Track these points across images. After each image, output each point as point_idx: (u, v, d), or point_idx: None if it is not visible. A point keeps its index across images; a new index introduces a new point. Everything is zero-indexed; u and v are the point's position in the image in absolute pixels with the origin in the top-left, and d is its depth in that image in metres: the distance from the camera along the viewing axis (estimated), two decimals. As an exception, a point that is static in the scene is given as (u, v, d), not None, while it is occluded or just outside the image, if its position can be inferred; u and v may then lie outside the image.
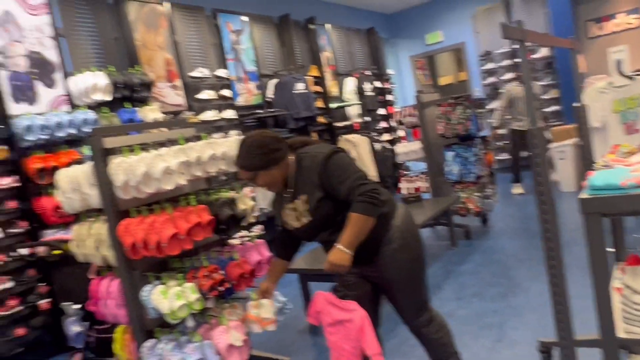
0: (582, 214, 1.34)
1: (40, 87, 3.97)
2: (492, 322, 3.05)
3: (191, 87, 5.30)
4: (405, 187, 5.60)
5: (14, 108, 3.75)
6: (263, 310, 2.28)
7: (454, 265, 4.29)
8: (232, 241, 2.91)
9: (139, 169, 2.17)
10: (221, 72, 5.61)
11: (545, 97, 8.17)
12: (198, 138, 2.60)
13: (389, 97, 8.59)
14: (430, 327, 2.08)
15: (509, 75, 8.46)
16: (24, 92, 3.87)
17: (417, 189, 5.43)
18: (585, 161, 2.98)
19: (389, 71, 8.93)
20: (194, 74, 5.33)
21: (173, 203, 2.38)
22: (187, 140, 2.49)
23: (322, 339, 3.29)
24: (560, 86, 8.03)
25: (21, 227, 3.71)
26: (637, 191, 1.28)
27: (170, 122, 3.44)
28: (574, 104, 2.92)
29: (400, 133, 8.13)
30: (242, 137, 2.08)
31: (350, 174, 1.87)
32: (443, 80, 11.09)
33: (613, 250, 2.11)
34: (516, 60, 8.37)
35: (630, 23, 7.42)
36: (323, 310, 1.98)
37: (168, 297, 2.23)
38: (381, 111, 8.26)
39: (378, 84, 8.25)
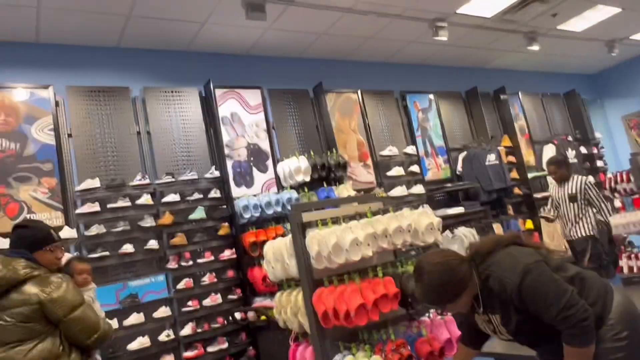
0: None
1: (255, 172, 4.67)
2: None
3: (381, 165, 5.58)
4: (627, 265, 4.76)
5: (235, 191, 4.47)
6: None
7: None
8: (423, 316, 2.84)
9: (330, 240, 2.34)
10: (409, 149, 5.79)
11: None
12: (385, 211, 2.70)
13: (599, 163, 7.63)
14: None
15: None
16: (243, 177, 4.60)
17: (643, 268, 4.57)
18: None
19: (597, 134, 8.01)
20: (384, 152, 5.62)
21: (361, 274, 2.48)
22: (375, 213, 2.60)
23: None
24: None
25: (237, 294, 4.25)
26: None
27: (359, 197, 3.66)
28: None
29: (618, 203, 7.06)
30: (421, 266, 1.81)
31: (552, 300, 1.63)
32: (669, 140, 9.41)
33: None
34: None
35: None
36: None
37: (356, 368, 2.26)
38: (590, 179, 7.35)
39: (583, 149, 7.44)
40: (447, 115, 6.44)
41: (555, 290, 1.64)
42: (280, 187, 4.73)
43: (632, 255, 4.73)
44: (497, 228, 5.80)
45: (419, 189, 5.61)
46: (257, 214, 4.29)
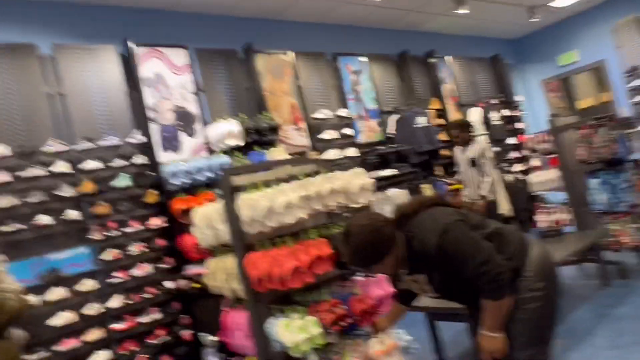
0: None
1: (183, 137, 4.46)
2: (662, 377, 2.57)
3: (314, 128, 5.53)
4: (542, 220, 5.11)
5: (162, 156, 4.25)
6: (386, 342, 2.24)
7: (607, 308, 3.74)
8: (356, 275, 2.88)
9: (262, 204, 2.28)
10: (342, 112, 5.78)
11: None
12: (318, 173, 2.66)
13: (518, 125, 8.06)
14: None
15: (664, 91, 7.43)
16: (171, 142, 4.38)
17: (557, 222, 4.92)
18: None
19: (518, 98, 8.42)
20: (317, 115, 5.57)
21: (295, 237, 2.45)
22: (307, 175, 2.56)
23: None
24: None
25: (168, 263, 4.12)
26: None
27: (292, 160, 3.61)
28: None
29: (534, 162, 7.53)
30: (349, 228, 1.84)
31: (469, 257, 1.70)
32: (582, 104, 10.10)
33: None
34: (672, 73, 7.33)
35: None
36: None
37: (291, 330, 2.26)
38: (511, 140, 7.76)
39: (506, 112, 7.80)
40: (379, 78, 6.47)
41: (472, 248, 1.71)
42: (211, 151, 4.56)
43: (547, 211, 5.07)
44: (426, 189, 6.00)
45: (352, 151, 5.64)
46: (188, 180, 4.12)
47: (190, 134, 4.54)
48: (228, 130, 4.53)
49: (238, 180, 2.51)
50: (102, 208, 3.87)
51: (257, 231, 2.37)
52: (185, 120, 4.53)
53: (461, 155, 5.04)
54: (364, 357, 2.38)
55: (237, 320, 2.59)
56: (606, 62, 8.40)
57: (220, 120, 4.63)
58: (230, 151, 4.56)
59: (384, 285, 2.63)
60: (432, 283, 1.86)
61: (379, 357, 2.36)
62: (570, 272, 4.79)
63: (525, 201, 6.34)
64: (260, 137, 4.83)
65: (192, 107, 4.60)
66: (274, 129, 4.92)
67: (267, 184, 2.45)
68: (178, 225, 4.10)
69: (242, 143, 4.61)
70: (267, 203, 2.28)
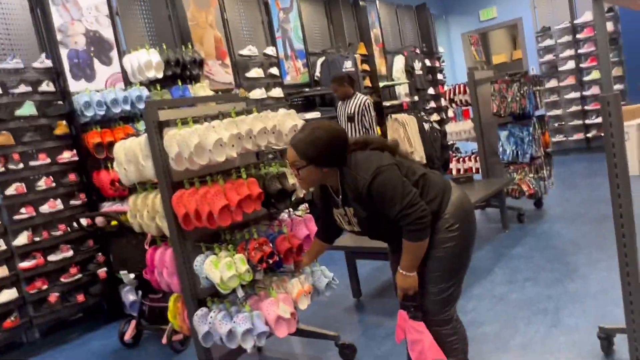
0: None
1: (97, 65, 4.10)
2: (546, 308, 2.94)
3: (240, 66, 5.33)
4: (455, 168, 5.46)
5: (73, 85, 3.90)
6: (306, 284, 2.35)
7: (505, 248, 4.15)
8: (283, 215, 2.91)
9: (192, 140, 2.20)
10: (269, 50, 5.61)
11: (608, 75, 7.70)
12: (249, 112, 2.60)
13: (439, 76, 8.35)
14: (449, 329, 1.99)
15: (568, 53, 8.02)
16: (83, 69, 4.01)
17: (468, 170, 5.28)
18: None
19: (440, 49, 8.66)
20: (243, 52, 5.35)
21: (225, 176, 2.41)
22: (239, 114, 2.49)
23: (368, 317, 3.30)
24: (625, 64, 7.54)
25: (80, 199, 3.89)
26: None
27: (222, 96, 3.47)
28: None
29: (450, 113, 7.90)
30: (315, 122, 2.00)
31: (396, 199, 1.80)
32: (497, 59, 10.66)
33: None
34: (577, 36, 7.90)
35: None
36: (405, 327, 2.03)
37: (219, 267, 2.26)
38: (431, 90, 8.05)
39: (428, 62, 8.02)
40: (308, 18, 6.31)
41: (400, 191, 1.80)
42: (128, 83, 4.25)
43: (460, 160, 5.40)
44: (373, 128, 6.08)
45: (277, 92, 5.54)
46: (102, 112, 3.84)
47: (105, 62, 4.17)
48: (147, 60, 4.23)
49: (165, 114, 2.39)
50: (3, 138, 3.51)
51: (184, 169, 2.29)
52: (98, 46, 4.15)
53: (342, 110, 4.94)
54: (286, 295, 2.47)
55: (162, 257, 2.55)
56: (521, 21, 8.83)
57: (139, 50, 4.29)
58: (149, 84, 4.28)
59: (310, 225, 2.70)
60: (358, 219, 1.95)
61: (299, 297, 2.45)
62: (476, 216, 5.21)
63: (440, 149, 6.69)
64: (183, 70, 4.57)
65: (107, 33, 4.21)
66: (198, 63, 4.67)
67: (197, 120, 2.35)
68: (92, 160, 3.86)
69: (161, 75, 4.33)
70: (197, 140, 2.20)
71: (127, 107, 3.98)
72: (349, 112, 4.86)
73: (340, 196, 1.97)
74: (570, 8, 7.97)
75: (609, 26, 7.51)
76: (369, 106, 4.84)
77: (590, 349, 2.39)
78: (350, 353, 2.70)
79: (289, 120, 2.61)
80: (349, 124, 4.86)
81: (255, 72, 5.39)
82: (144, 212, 2.54)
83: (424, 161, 6.44)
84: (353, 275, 3.57)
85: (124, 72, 4.24)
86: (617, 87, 7.65)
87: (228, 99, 3.01)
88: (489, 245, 4.31)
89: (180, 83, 4.50)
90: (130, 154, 2.48)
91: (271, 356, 2.95)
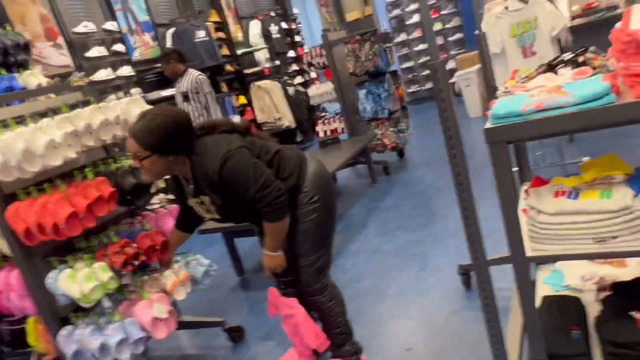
0: (488, 143, 1.35)
1: None
2: (415, 253, 3.18)
3: (78, 45, 4.78)
4: (322, 129, 5.57)
5: None
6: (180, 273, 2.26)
7: (375, 201, 4.39)
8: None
9: (17, 146, 1.91)
10: (109, 25, 5.09)
11: (448, 25, 8.34)
12: (86, 103, 2.33)
13: (297, 39, 8.34)
14: (326, 295, 2.05)
15: (413, 7, 8.49)
16: None
17: (334, 131, 5.43)
18: (489, 88, 3.07)
19: (295, 10, 8.62)
20: (78, 29, 4.79)
21: (67, 179, 2.15)
22: (72, 107, 2.22)
23: (253, 294, 3.29)
24: (462, 14, 8.21)
25: None
26: (536, 116, 1.29)
27: (50, 89, 3.06)
28: (475, 33, 2.95)
29: (313, 75, 8.00)
30: (155, 108, 1.84)
31: (249, 183, 1.75)
32: (350, 16, 10.88)
33: (517, 170, 2.21)
34: (418, -10, 8.38)
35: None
36: (276, 303, 2.05)
37: (77, 280, 2.05)
38: (291, 54, 8.03)
39: (284, 25, 7.95)
40: (150, -14, 5.82)
41: (252, 174, 1.76)
42: None
43: (326, 121, 5.52)
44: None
45: (127, 70, 5.10)
46: None
47: None
48: (-45, 49, 3.57)
49: (-22, 117, 2.04)
50: None
51: (15, 178, 2.00)
52: None
53: (177, 89, 4.57)
54: (161, 291, 2.34)
55: (7, 280, 2.23)
56: (368, -23, 9.08)
57: (-60, 37, 3.60)
58: (-38, 76, 3.64)
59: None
60: (215, 207, 1.89)
61: (175, 289, 2.34)
62: (346, 174, 5.42)
63: (307, 112, 6.78)
64: (5, 56, 3.94)
65: None
66: (23, 47, 4.06)
67: (20, 121, 2.04)
68: None
69: (-22, 65, 3.70)
70: (23, 145, 1.91)
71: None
72: (182, 90, 4.47)
73: (192, 185, 1.88)
74: (411, -37, 8.40)
75: (445, -21, 8.07)
76: (201, 82, 4.47)
77: (454, 285, 2.64)
78: (238, 335, 2.68)
79: (135, 107, 2.39)
80: (185, 104, 4.47)
81: (96, 51, 4.88)
82: (-26, 233, 2.18)
83: (293, 125, 6.50)
84: (233, 255, 3.52)
85: None
86: (458, 36, 8.34)
87: (59, 90, 2.66)
88: (361, 200, 4.52)
89: (4, 72, 3.88)
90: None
91: (158, 355, 2.82)
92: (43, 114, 2.10)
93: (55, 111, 2.13)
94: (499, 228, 1.52)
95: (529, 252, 1.48)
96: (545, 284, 2.06)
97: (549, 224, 1.43)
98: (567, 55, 1.63)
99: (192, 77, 4.47)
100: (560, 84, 1.40)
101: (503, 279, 2.15)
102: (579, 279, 1.97)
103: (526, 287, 1.49)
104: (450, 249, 3.09)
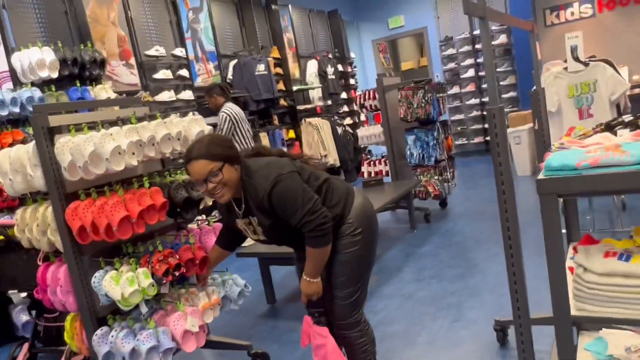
0: (539, 194, 1.35)
1: (-20, 62, 3.71)
2: (450, 303, 3.11)
3: (147, 67, 5.10)
4: (367, 170, 5.62)
5: (-50, 84, 3.50)
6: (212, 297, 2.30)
7: (413, 247, 4.34)
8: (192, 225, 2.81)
9: (86, 148, 2.05)
10: (178, 52, 5.42)
11: (503, 83, 8.35)
12: (152, 117, 2.48)
13: (351, 81, 8.56)
14: (358, 331, 2.04)
15: (469, 62, 8.59)
16: (-38, 67, 3.61)
17: (378, 173, 5.46)
18: (542, 144, 3.04)
19: (352, 54, 8.89)
20: (150, 52, 5.12)
21: (125, 185, 2.27)
22: (140, 119, 2.36)
23: (282, 323, 3.28)
24: (517, 73, 8.22)
25: (-39, 211, 3.49)
26: (591, 172, 1.29)
27: (121, 100, 3.27)
28: (531, 90, 2.97)
29: (363, 117, 8.13)
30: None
31: (297, 207, 1.80)
32: (404, 66, 11.15)
33: (565, 231, 2.16)
34: (476, 46, 8.49)
35: (585, 12, 7.63)
36: (309, 332, 2.05)
37: (120, 283, 2.13)
38: (343, 95, 8.23)
39: (340, 67, 8.20)
40: (219, 19, 6.19)
41: (301, 199, 1.81)
42: (18, 83, 3.89)
43: (371, 162, 5.57)
44: (264, 137, 6.07)
45: (188, 94, 5.37)
46: (-14, 115, 3.48)
47: (-10, 59, 3.79)
48: (39, 58, 3.89)
49: (56, 119, 2.20)
50: None
51: (79, 178, 2.13)
52: (-19, 42, 3.76)
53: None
54: (195, 308, 2.38)
55: (56, 275, 2.35)
56: (427, 30, 9.31)
57: (30, 47, 3.94)
58: (42, 84, 3.95)
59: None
60: (262, 228, 1.94)
61: (204, 311, 2.38)
62: (386, 217, 5.41)
63: (352, 152, 6.87)
64: (82, 70, 4.27)
65: (-8, 27, 3.82)
66: (99, 63, 4.39)
67: (92, 126, 2.19)
68: (-26, 168, 3.47)
69: (55, 75, 4.01)
70: (93, 148, 2.05)
71: (16, 110, 3.64)
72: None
73: (243, 206, 1.94)
74: (470, 19, 8.55)
75: (503, 38, 8.16)
76: (220, 118, 4.62)
77: (488, 340, 2.56)
78: (263, 361, 2.67)
79: (196, 126, 2.52)
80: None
81: (163, 74, 5.18)
82: (34, 225, 2.32)
83: (338, 164, 6.59)
84: (267, 281, 3.54)
85: (12, 71, 3.88)
86: (511, 94, 8.32)
87: (129, 102, 2.84)
88: (398, 245, 4.49)
89: (79, 84, 4.19)
90: (16, 163, 2.26)
91: (181, 371, 2.84)
92: (113, 123, 2.26)
93: (124, 121, 2.28)
94: (539, 288, 1.49)
95: (573, 312, 1.43)
96: (587, 351, 1.97)
97: (596, 284, 1.40)
98: (627, 117, 1.63)
99: (221, 111, 4.65)
100: (619, 143, 1.39)
101: (539, 341, 2.07)
102: (623, 349, 1.88)
103: (568, 349, 1.44)
104: (487, 303, 3.01)
